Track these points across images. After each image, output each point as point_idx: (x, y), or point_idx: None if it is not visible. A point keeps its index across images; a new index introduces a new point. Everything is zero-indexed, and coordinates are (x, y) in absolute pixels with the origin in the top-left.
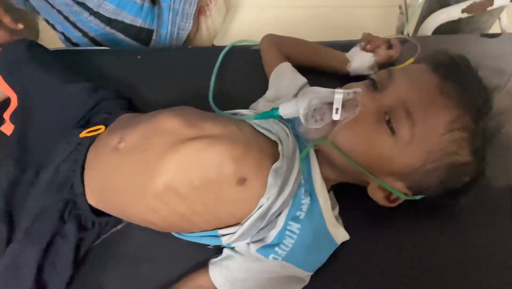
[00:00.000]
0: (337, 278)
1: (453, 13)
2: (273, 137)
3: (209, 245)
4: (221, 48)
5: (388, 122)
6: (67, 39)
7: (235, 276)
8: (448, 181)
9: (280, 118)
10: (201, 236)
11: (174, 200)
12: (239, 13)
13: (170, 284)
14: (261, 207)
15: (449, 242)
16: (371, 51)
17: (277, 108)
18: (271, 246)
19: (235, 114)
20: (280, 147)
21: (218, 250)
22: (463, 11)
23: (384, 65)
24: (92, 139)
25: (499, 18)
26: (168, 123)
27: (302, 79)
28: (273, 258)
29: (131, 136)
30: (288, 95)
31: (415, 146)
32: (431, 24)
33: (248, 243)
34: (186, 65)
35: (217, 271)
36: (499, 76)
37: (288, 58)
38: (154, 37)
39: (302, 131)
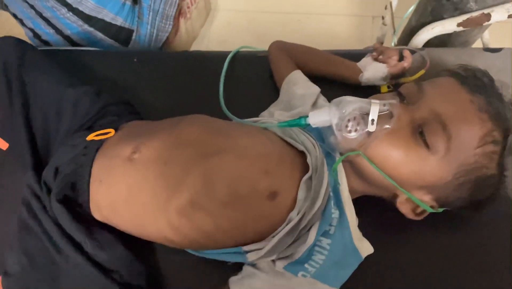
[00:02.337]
0: None
1: (448, 26)
2: (300, 148)
3: (228, 262)
4: (221, 53)
5: (421, 135)
6: (36, 36)
7: None
8: (474, 193)
9: (306, 128)
10: (222, 253)
11: (199, 216)
12: (213, 17)
13: None
14: (290, 222)
15: (468, 252)
16: (383, 62)
17: (305, 117)
18: (300, 262)
19: (255, 122)
20: (308, 158)
21: (236, 266)
22: (458, 25)
23: (396, 76)
24: (99, 144)
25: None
26: (193, 134)
27: (316, 88)
28: (302, 275)
29: (149, 147)
30: (306, 104)
31: (449, 160)
32: (424, 37)
33: (273, 260)
34: (185, 70)
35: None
36: (504, 90)
37: (298, 66)
38: (133, 37)
39: (333, 142)
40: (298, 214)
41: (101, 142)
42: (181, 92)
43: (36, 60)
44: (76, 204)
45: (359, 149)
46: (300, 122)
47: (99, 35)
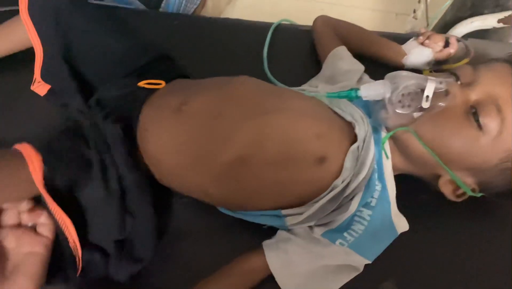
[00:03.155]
0: (388, 270)
1: (488, 21)
2: (348, 118)
3: (264, 226)
4: (262, 23)
5: (474, 115)
6: None
7: (292, 259)
8: None
9: (354, 100)
10: (260, 215)
11: (245, 173)
12: None
13: (212, 262)
14: (333, 189)
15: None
16: (429, 46)
17: (356, 89)
18: (339, 230)
19: (302, 90)
20: (357, 128)
21: (270, 231)
22: (499, 21)
23: (440, 62)
24: (148, 93)
25: None
26: (246, 91)
27: (361, 66)
28: (340, 243)
29: (198, 99)
30: (351, 80)
31: (498, 143)
32: (462, 30)
33: (311, 226)
34: (226, 38)
35: (273, 253)
36: None
37: (343, 42)
38: (163, 4)
39: (382, 116)
40: (342, 182)
41: (150, 92)
42: (222, 59)
43: (86, 8)
44: None
45: (409, 125)
46: (350, 94)
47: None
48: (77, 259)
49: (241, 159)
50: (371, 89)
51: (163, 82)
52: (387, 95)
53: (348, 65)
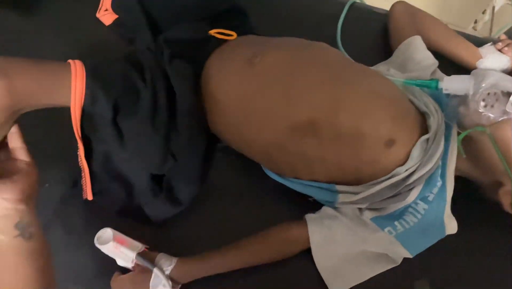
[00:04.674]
0: (425, 269)
1: None
2: (423, 108)
3: (310, 198)
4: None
5: None
6: None
7: (335, 238)
8: None
9: (432, 91)
10: (311, 186)
11: (311, 139)
12: None
13: (247, 224)
14: (395, 175)
15: None
16: (507, 54)
17: (437, 81)
18: (390, 218)
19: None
20: (431, 120)
21: (314, 206)
22: None
23: None
24: (218, 42)
25: None
26: (328, 57)
27: (435, 60)
28: (388, 231)
29: (272, 55)
30: (424, 71)
31: None
32: None
33: (360, 208)
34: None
35: (317, 228)
36: None
37: (419, 33)
38: None
39: (461, 113)
40: (406, 170)
41: (219, 41)
42: (293, 26)
43: None
44: None
45: (487, 126)
46: (430, 84)
47: None
48: (83, 181)
49: (312, 122)
50: (455, 83)
51: (234, 34)
52: (471, 91)
53: (422, 57)
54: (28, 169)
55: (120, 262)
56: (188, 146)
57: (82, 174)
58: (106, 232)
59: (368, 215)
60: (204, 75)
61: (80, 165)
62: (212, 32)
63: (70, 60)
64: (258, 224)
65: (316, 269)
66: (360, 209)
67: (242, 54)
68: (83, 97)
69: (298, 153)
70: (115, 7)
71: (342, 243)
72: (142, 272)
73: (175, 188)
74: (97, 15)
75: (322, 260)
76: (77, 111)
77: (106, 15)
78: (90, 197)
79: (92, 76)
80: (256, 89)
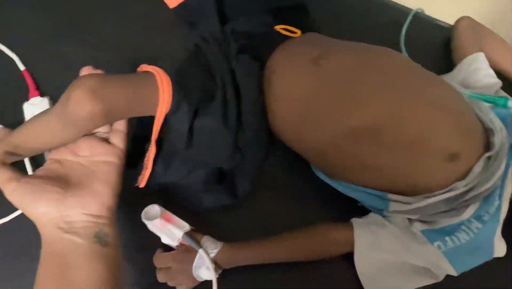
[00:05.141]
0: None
1: None
2: (489, 124)
3: (359, 204)
4: (397, 5)
5: None
6: None
7: (380, 244)
8: None
9: (497, 109)
10: (364, 192)
11: (369, 144)
12: None
13: (291, 220)
14: (452, 190)
15: None
16: None
17: (506, 99)
18: (442, 233)
19: None
20: (496, 137)
21: (361, 211)
22: None
23: None
24: (282, 38)
25: None
26: (393, 63)
27: (498, 80)
28: (438, 246)
29: (337, 57)
30: (488, 90)
31: None
32: None
33: (410, 219)
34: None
35: (362, 232)
36: None
37: (482, 50)
38: None
39: None
40: (465, 186)
41: (284, 37)
42: (355, 30)
43: None
44: None
45: None
46: (498, 102)
47: None
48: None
49: (373, 128)
50: None
51: (299, 32)
52: None
53: (485, 74)
54: (111, 171)
55: (165, 240)
56: (253, 142)
57: (142, 172)
58: (154, 209)
59: (418, 226)
60: (266, 70)
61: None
62: (278, 27)
63: (155, 73)
64: (300, 222)
65: (352, 275)
66: (409, 220)
67: (307, 52)
68: (168, 108)
69: (354, 156)
70: None
71: (387, 251)
72: (187, 252)
73: (234, 181)
74: None
75: (363, 265)
76: (160, 121)
77: None
78: (142, 185)
79: (177, 88)
80: (320, 87)
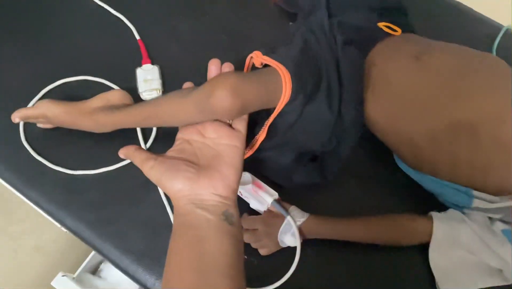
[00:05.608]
0: None
1: None
2: None
3: (440, 198)
4: (489, 20)
5: None
6: None
7: (458, 239)
8: None
9: None
10: (445, 185)
11: (465, 140)
12: None
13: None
14: None
15: None
16: None
17: None
18: None
19: None
20: None
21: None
22: None
23: None
24: (384, 35)
25: None
26: (500, 66)
27: None
28: None
29: (439, 55)
30: None
31: None
32: None
33: (491, 218)
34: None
35: (442, 225)
36: None
37: None
38: None
39: None
40: None
41: (385, 34)
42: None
43: None
44: None
45: None
46: None
47: None
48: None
49: (472, 125)
50: None
51: (399, 30)
52: None
53: None
54: (236, 155)
55: (254, 205)
56: (349, 130)
57: (247, 151)
58: (245, 175)
59: (499, 226)
60: (366, 63)
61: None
62: (381, 24)
63: (279, 70)
64: (381, 210)
65: (423, 267)
66: (490, 219)
67: (408, 49)
68: (288, 99)
69: (448, 151)
70: None
71: (464, 247)
72: (275, 217)
73: (324, 163)
74: None
75: (438, 258)
76: (278, 110)
77: None
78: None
79: (296, 83)
80: (421, 81)
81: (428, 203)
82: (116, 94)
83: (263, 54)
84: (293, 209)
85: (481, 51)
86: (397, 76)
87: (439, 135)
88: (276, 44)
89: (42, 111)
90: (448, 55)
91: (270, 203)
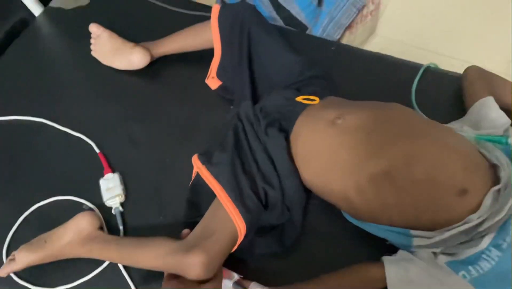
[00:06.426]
0: None
1: None
2: (493, 160)
3: (387, 242)
4: (410, 63)
5: None
6: None
7: (412, 278)
8: None
9: (504, 147)
10: (389, 230)
11: (388, 188)
12: (370, 40)
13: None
14: (467, 222)
15: None
16: None
17: (507, 136)
18: (465, 263)
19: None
20: (502, 172)
21: (388, 249)
22: None
23: None
24: (303, 107)
25: None
26: (402, 115)
27: (508, 119)
28: (463, 275)
29: (353, 116)
30: (498, 129)
31: None
32: None
33: (435, 253)
34: (375, 71)
35: (393, 268)
36: None
37: (492, 94)
38: (310, 25)
39: None
40: (478, 218)
41: (305, 106)
42: (370, 89)
43: (263, 23)
44: None
45: None
46: (500, 140)
47: (280, 23)
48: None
49: (388, 173)
50: None
51: (317, 99)
52: None
53: (496, 116)
54: None
55: None
56: (296, 198)
57: None
58: None
59: (442, 259)
60: (292, 136)
61: None
62: (299, 98)
63: (234, 219)
64: (338, 263)
65: None
66: (434, 253)
67: (326, 116)
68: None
69: (376, 198)
70: (219, 75)
71: (417, 283)
72: None
73: (283, 232)
74: (206, 81)
75: None
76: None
77: (213, 81)
78: None
79: (245, 213)
80: (339, 144)
81: (381, 248)
82: (84, 222)
83: (201, 163)
84: (253, 286)
85: (388, 102)
86: (319, 142)
87: (365, 187)
88: (211, 145)
89: (24, 264)
90: (360, 113)
91: (231, 286)
